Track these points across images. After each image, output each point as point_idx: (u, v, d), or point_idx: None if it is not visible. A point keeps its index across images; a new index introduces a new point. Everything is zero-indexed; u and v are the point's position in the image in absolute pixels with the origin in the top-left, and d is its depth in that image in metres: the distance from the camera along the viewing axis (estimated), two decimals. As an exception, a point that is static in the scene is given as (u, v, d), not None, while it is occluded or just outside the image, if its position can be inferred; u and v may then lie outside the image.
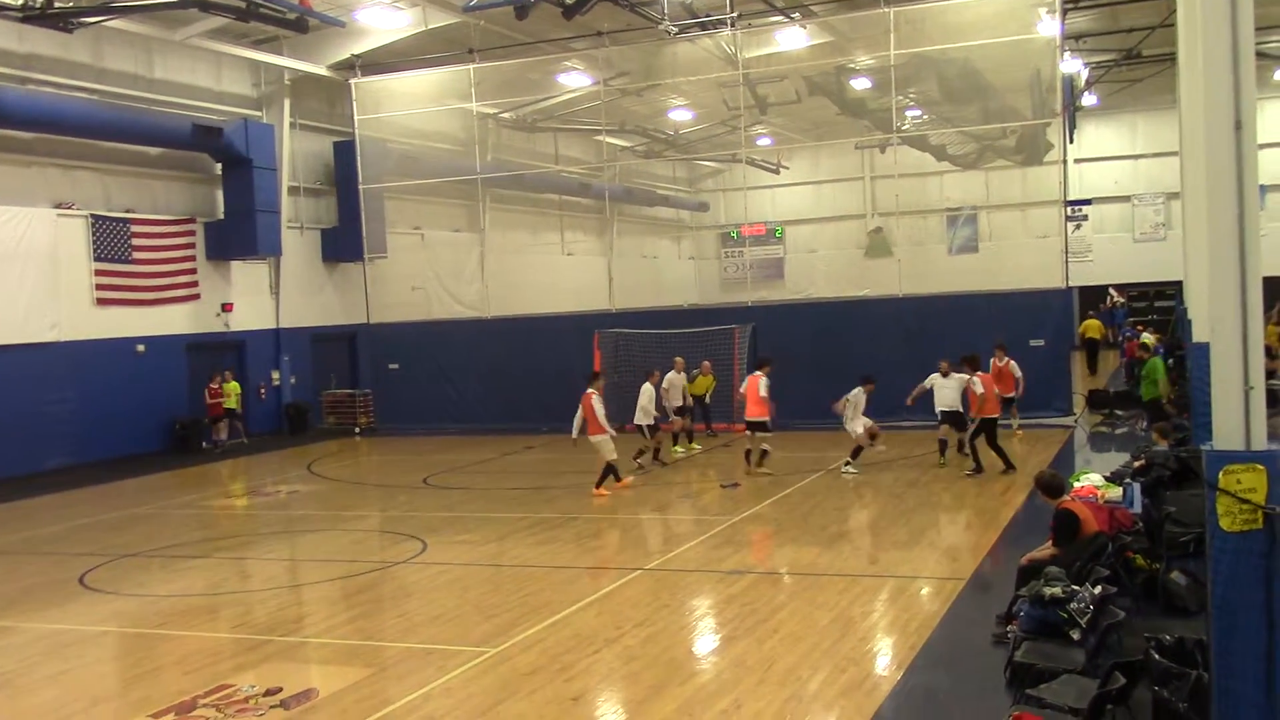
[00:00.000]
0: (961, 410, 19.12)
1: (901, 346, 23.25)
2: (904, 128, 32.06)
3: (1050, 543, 10.45)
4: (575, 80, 31.51)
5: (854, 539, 14.94)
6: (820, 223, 49.88)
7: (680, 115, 38.74)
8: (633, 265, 42.83)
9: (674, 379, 22.10)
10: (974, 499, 16.70)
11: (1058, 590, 9.01)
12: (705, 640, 10.70)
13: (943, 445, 19.38)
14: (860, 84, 31.16)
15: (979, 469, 18.22)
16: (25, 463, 23.37)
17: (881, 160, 40.75)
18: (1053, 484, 10.92)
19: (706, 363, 23.45)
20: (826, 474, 19.21)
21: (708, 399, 23.88)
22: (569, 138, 39.18)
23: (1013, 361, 21.17)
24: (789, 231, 50.19)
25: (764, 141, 43.17)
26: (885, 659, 9.72)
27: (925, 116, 34.44)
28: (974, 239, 44.52)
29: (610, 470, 18.28)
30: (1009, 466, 18.14)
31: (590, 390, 18.36)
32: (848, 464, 19.24)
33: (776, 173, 46.48)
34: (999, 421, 18.93)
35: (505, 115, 33.65)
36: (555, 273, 38.49)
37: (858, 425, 19.26)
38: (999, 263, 35.11)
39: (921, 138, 34.66)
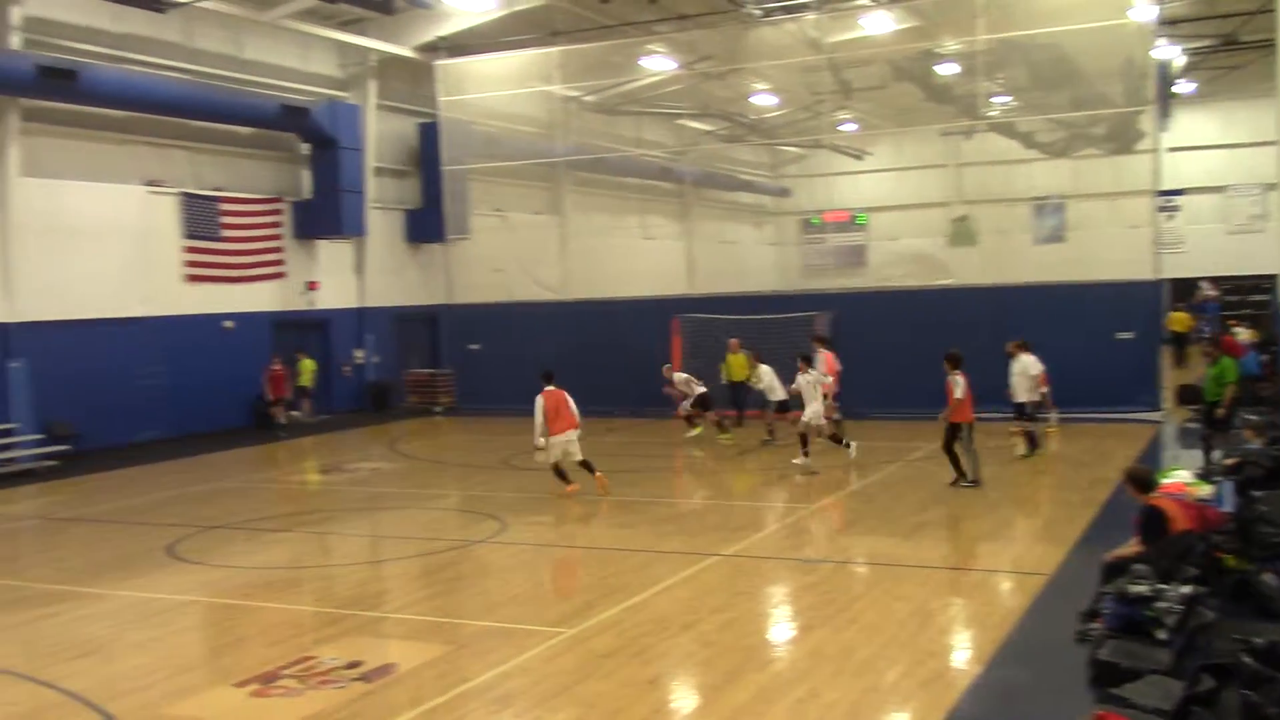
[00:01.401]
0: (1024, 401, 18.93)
1: (984, 337, 22.91)
2: (991, 114, 31.57)
3: (1136, 540, 10.24)
4: (658, 64, 31.43)
5: (933, 531, 14.77)
6: (903, 210, 49.21)
7: (763, 100, 38.50)
8: (713, 250, 42.71)
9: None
10: (1057, 492, 16.44)
11: (1144, 588, 8.84)
12: (782, 628, 10.66)
13: (1030, 437, 19.11)
14: (947, 69, 30.73)
15: (961, 477, 16.60)
16: (118, 434, 23.97)
17: (967, 147, 40.12)
18: (1142, 478, 10.65)
19: (734, 340, 23.36)
20: (905, 464, 19.02)
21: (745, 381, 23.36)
22: (651, 121, 39.12)
23: (1031, 359, 19.84)
24: (872, 218, 49.66)
25: (847, 127, 42.76)
26: (965, 653, 9.62)
27: (1013, 103, 33.87)
28: (1061, 228, 43.64)
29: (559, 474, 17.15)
30: (960, 476, 16.55)
31: (553, 388, 16.96)
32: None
33: (859, 159, 46.02)
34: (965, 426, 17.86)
35: (587, 98, 33.69)
36: (635, 256, 38.50)
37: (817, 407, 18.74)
38: (1086, 253, 34.43)
39: (1008, 124, 34.12)
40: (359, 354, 30.96)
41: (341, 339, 30.40)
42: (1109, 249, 31.90)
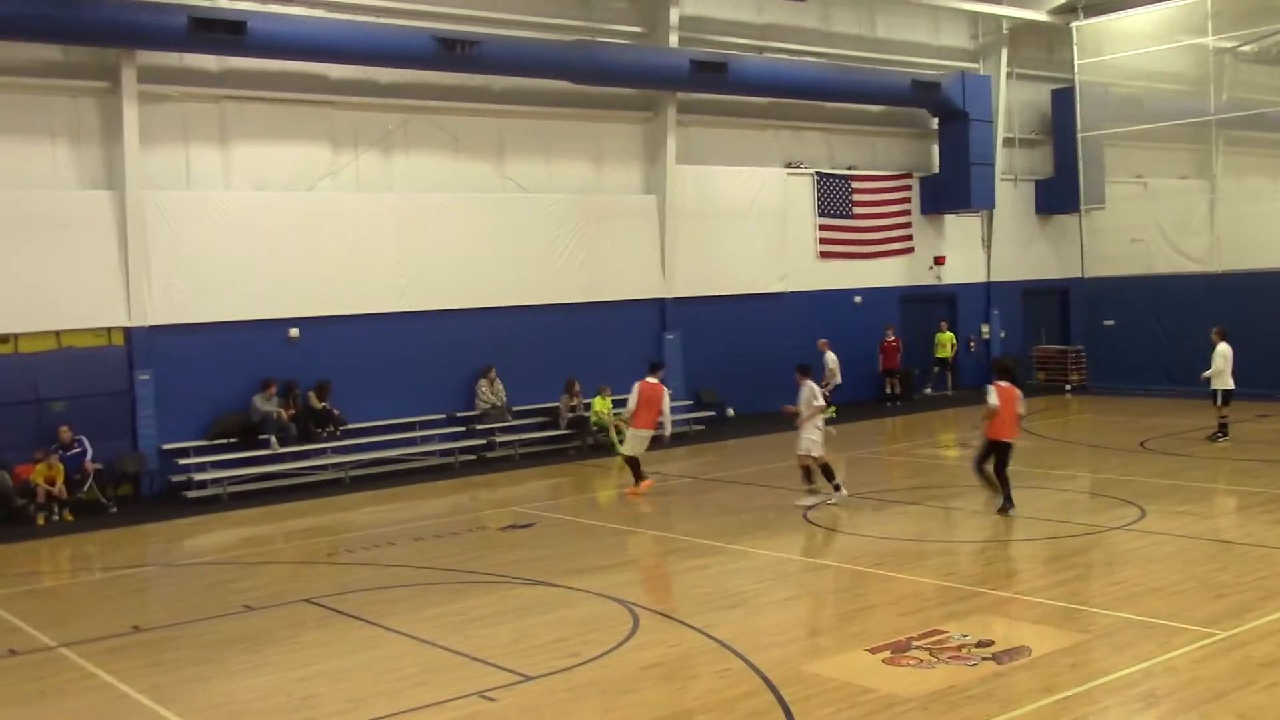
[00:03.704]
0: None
1: None
2: None
3: None
4: (1334, 2, 27.69)
5: None
6: None
7: None
8: None
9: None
10: None
11: None
12: None
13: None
14: None
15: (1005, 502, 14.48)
16: (754, 402, 25.47)
17: None
18: None
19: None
20: None
21: None
22: (1322, 69, 34.64)
23: None
24: None
25: None
26: None
27: None
28: None
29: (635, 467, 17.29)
30: (1006, 501, 14.43)
31: (653, 379, 17.13)
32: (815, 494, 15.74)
33: None
34: None
35: (1245, 48, 30.46)
36: (1300, 223, 34.35)
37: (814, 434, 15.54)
38: None
39: None
40: (985, 329, 30.55)
41: (968, 314, 30.17)
42: None
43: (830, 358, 24.57)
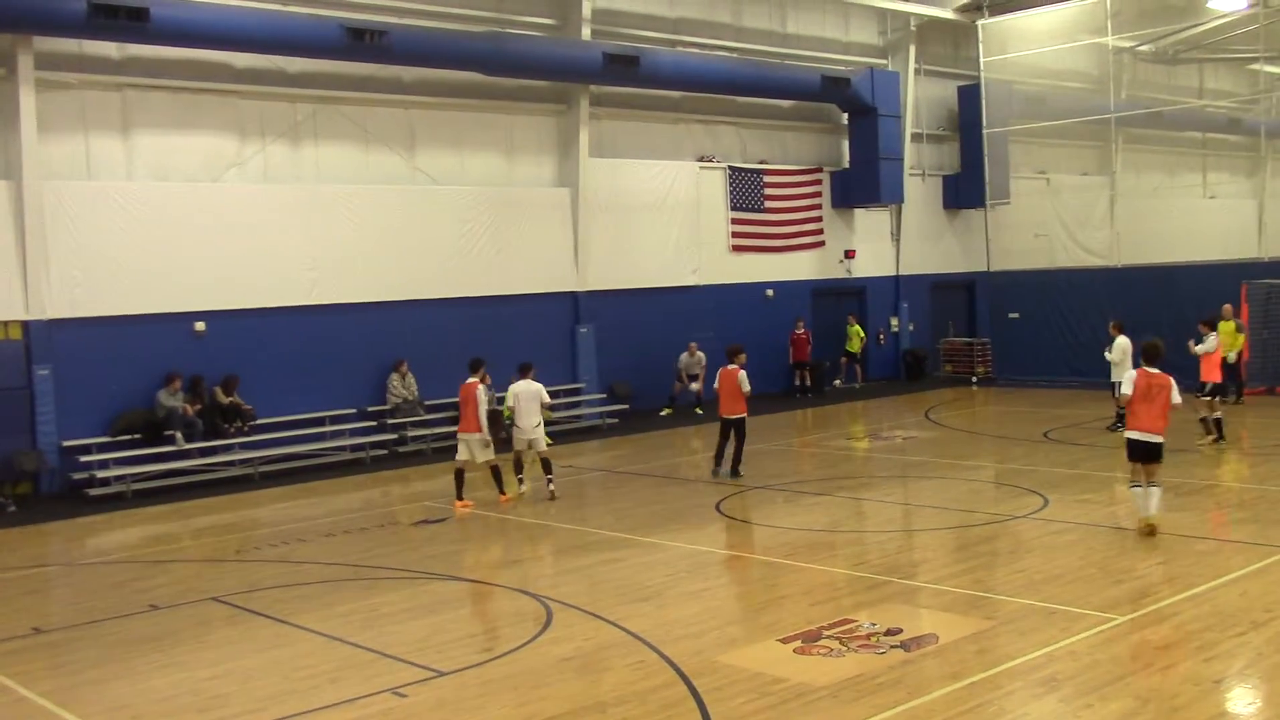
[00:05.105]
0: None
1: None
2: None
3: None
4: (1228, 3, 28.56)
5: None
6: None
7: (1358, 35, 33.74)
8: (1288, 209, 38.23)
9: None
10: None
11: None
12: (1378, 636, 9.33)
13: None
14: None
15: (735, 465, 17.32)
16: (667, 395, 25.63)
17: None
18: None
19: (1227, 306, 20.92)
20: None
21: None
22: (1216, 68, 35.66)
23: None
24: None
25: None
26: None
27: None
28: None
29: (495, 474, 16.19)
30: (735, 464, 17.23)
31: (473, 379, 16.05)
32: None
33: None
34: None
35: (1143, 48, 31.30)
36: (1195, 217, 35.33)
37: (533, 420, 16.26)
38: None
39: None
40: (894, 322, 31.02)
41: (878, 307, 30.60)
42: None
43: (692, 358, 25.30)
